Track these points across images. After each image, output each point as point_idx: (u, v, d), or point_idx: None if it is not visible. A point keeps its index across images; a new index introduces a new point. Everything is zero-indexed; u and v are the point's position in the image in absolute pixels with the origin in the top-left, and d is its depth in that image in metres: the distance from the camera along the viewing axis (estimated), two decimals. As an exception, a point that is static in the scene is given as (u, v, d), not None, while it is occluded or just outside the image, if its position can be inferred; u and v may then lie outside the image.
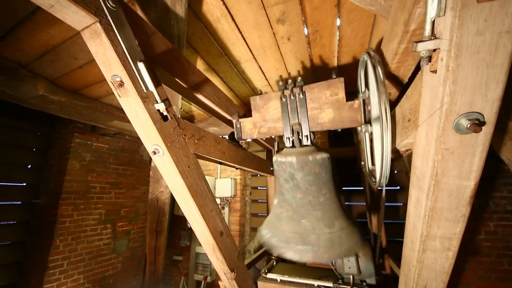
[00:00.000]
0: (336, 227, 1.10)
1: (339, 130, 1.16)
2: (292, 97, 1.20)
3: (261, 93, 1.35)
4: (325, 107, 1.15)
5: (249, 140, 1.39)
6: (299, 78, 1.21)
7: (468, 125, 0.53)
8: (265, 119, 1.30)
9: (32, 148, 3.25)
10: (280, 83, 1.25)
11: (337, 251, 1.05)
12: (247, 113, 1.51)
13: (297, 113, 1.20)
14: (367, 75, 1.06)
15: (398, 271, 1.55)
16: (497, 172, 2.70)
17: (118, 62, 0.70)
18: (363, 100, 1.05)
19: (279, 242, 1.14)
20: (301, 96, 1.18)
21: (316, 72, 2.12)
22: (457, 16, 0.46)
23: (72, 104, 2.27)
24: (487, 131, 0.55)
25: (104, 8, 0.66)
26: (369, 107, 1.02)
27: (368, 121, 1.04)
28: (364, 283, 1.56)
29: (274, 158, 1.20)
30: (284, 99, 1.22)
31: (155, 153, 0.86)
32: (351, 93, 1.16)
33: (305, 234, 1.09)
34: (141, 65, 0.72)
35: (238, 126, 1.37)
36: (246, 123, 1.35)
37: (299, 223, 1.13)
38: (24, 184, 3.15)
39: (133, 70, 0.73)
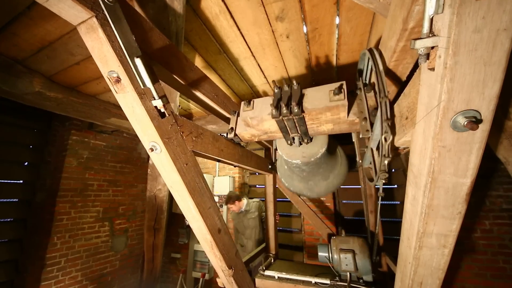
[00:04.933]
0: (330, 178, 1.63)
1: None
2: (289, 119, 1.08)
3: (249, 101, 1.20)
4: (325, 122, 1.08)
5: None
6: (295, 109, 1.01)
7: (465, 123, 0.53)
8: (262, 131, 1.24)
9: (28, 145, 3.22)
10: (273, 111, 1.04)
11: (331, 190, 1.72)
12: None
13: (297, 129, 1.15)
14: (367, 73, 1.06)
15: (394, 268, 1.56)
16: (493, 171, 2.72)
17: (114, 58, 0.69)
18: (362, 89, 1.01)
19: (294, 190, 1.82)
20: (300, 117, 1.06)
21: (315, 71, 2.12)
22: (455, 13, 0.46)
23: (69, 101, 2.25)
24: (484, 129, 0.55)
25: (101, 2, 0.65)
26: (368, 107, 1.02)
27: (369, 114, 1.03)
28: (361, 280, 1.57)
29: (280, 153, 1.40)
30: (280, 122, 1.10)
31: (152, 150, 0.85)
32: (350, 91, 1.16)
33: (311, 188, 1.67)
34: (138, 61, 0.71)
35: (236, 136, 1.31)
36: (244, 134, 1.29)
37: (306, 183, 1.67)
38: (21, 181, 3.13)
39: (130, 66, 0.72)
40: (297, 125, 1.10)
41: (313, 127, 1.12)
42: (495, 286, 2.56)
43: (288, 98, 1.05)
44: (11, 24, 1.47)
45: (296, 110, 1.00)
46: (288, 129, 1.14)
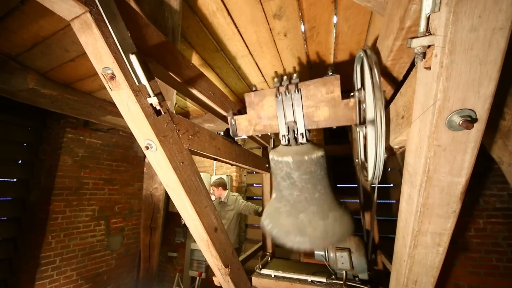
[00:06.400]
0: (330, 219, 1.18)
1: (334, 127, 1.16)
2: (287, 94, 1.16)
3: (255, 90, 1.28)
4: (321, 105, 1.12)
5: (244, 137, 1.39)
6: (295, 75, 1.15)
7: (460, 122, 0.54)
8: (260, 117, 1.26)
9: (23, 143, 3.18)
10: (275, 79, 1.19)
11: (331, 239, 1.16)
12: (243, 109, 1.47)
13: (293, 111, 1.17)
14: (363, 73, 1.06)
15: (390, 267, 1.57)
16: (487, 170, 2.75)
17: (109, 54, 0.68)
18: (359, 100, 1.04)
19: (279, 233, 1.24)
20: (297, 93, 1.14)
21: (312, 69, 2.12)
22: (451, 12, 0.46)
23: (64, 98, 2.22)
24: (478, 128, 0.56)
25: (95, -3, 0.64)
26: (364, 106, 1.02)
27: (363, 121, 1.04)
28: (357, 278, 1.58)
29: (271, 156, 1.21)
30: (279, 96, 1.17)
31: (148, 148, 0.84)
32: (347, 90, 1.16)
33: (303, 227, 1.19)
34: (133, 58, 0.70)
35: (233, 123, 1.33)
36: (241, 120, 1.32)
37: (296, 218, 1.21)
38: (15, 179, 3.09)
39: (125, 62, 0.71)
40: (293, 103, 1.15)
41: (310, 111, 1.14)
42: (488, 283, 2.60)
43: (289, 78, 1.20)
44: (5, 19, 1.44)
45: (294, 78, 1.15)
46: (284, 112, 1.18)
